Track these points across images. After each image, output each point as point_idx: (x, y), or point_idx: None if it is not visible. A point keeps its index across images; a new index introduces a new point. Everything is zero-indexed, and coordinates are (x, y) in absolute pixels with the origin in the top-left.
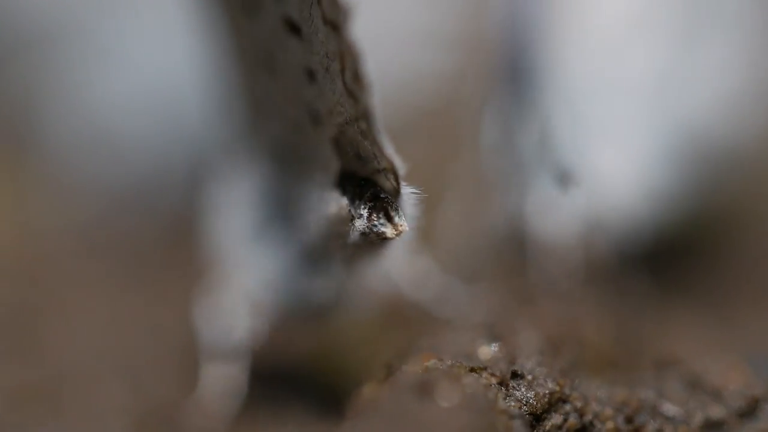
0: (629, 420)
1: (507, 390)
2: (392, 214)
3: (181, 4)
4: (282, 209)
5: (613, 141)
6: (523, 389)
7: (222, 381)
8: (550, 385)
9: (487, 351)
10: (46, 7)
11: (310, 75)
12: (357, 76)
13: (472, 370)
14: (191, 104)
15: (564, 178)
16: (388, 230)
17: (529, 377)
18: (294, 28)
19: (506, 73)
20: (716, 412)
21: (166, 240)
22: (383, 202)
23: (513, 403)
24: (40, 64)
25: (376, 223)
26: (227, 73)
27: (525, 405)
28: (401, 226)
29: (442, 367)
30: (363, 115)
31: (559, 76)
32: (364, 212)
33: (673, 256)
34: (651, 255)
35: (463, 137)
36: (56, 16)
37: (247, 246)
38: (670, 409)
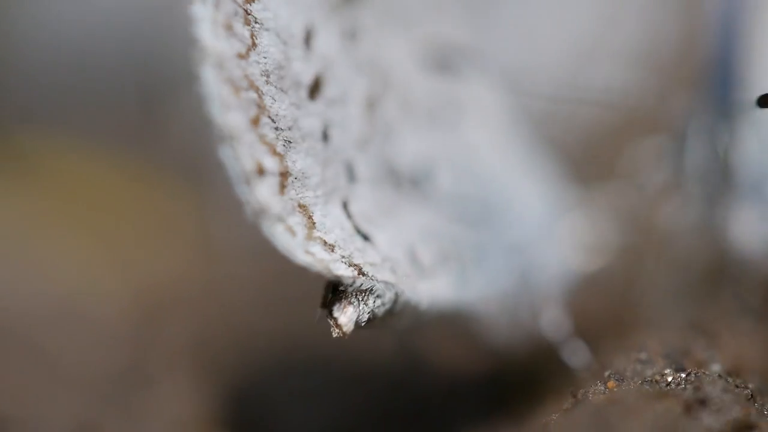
0: None
1: (692, 417)
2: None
3: None
4: None
5: None
6: (708, 416)
7: None
8: (736, 411)
9: (672, 377)
10: None
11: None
12: None
13: (656, 396)
14: None
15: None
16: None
17: (715, 404)
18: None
19: (711, 91)
20: None
21: None
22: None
23: (698, 431)
24: None
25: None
26: None
27: None
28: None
29: (626, 394)
30: None
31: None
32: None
33: None
34: None
35: (662, 152)
36: None
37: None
38: None
